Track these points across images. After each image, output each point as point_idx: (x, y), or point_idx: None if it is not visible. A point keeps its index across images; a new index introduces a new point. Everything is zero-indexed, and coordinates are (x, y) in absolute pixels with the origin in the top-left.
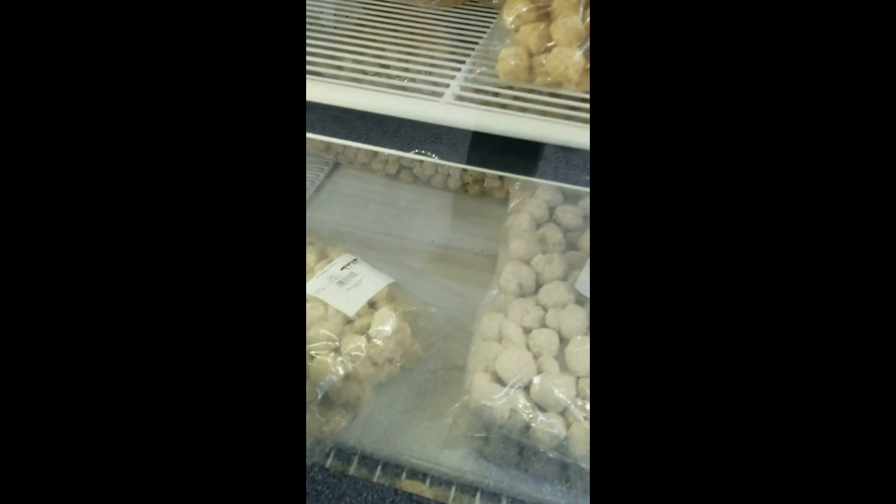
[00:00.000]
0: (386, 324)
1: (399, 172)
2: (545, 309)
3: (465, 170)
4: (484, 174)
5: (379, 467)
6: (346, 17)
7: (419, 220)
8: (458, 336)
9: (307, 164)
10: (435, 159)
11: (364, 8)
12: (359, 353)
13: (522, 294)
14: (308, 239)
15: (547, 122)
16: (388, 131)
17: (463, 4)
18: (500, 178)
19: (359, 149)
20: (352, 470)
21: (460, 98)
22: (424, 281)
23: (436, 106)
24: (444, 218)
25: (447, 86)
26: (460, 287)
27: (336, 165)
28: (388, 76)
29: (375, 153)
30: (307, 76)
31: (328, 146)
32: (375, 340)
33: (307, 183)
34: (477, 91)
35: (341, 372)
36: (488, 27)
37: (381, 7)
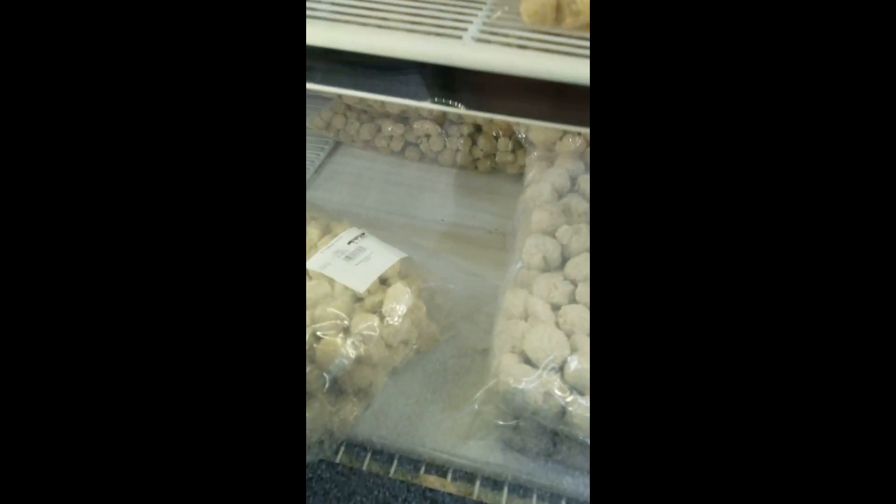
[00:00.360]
0: (400, 301)
1: (405, 149)
2: (574, 283)
3: (474, 144)
4: (495, 148)
5: (395, 461)
6: None
7: (428, 198)
8: (476, 317)
9: (306, 145)
10: (459, 108)
11: None
12: (371, 333)
13: (548, 268)
14: (310, 214)
15: (583, 61)
16: (399, 80)
17: None
18: (514, 151)
19: (361, 125)
20: (364, 465)
21: (481, 41)
22: (436, 260)
23: (458, 46)
24: (453, 195)
25: (465, 29)
26: (474, 266)
27: (337, 144)
28: (394, 19)
29: (379, 129)
30: (307, 19)
31: (328, 124)
32: (389, 319)
33: (307, 164)
34: (497, 35)
35: (352, 354)
36: None
37: None
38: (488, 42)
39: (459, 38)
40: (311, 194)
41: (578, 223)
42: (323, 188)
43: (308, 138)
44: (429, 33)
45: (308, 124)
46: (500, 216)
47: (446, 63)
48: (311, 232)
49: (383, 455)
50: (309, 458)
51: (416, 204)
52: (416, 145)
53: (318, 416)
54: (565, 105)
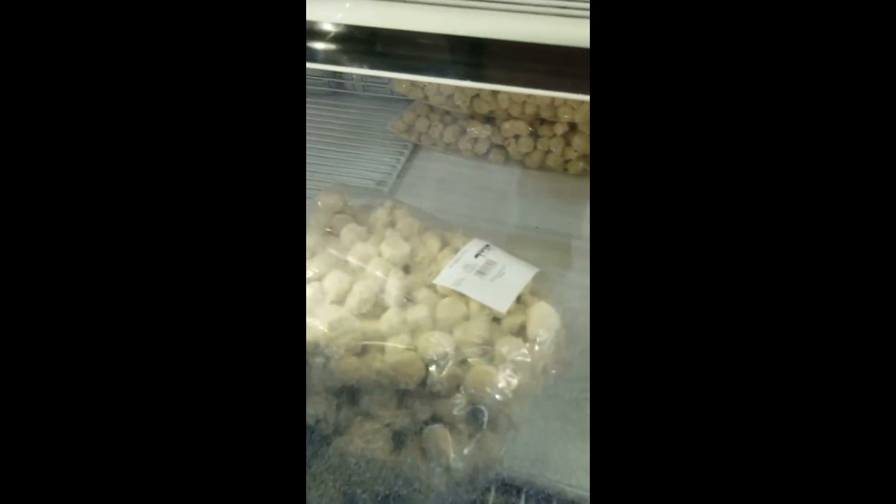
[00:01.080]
0: (546, 324)
1: (489, 152)
2: None
3: (567, 145)
4: (588, 150)
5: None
6: None
7: (520, 203)
8: None
9: (385, 148)
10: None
11: None
12: (524, 360)
13: None
14: (422, 224)
15: None
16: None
17: None
18: None
19: (445, 127)
20: None
21: None
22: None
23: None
24: (546, 200)
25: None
26: (583, 279)
27: (415, 148)
28: None
29: (463, 131)
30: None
31: (410, 127)
32: (538, 345)
33: (388, 168)
34: None
35: (507, 386)
36: None
37: None
38: None
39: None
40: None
41: None
42: (409, 194)
43: (386, 142)
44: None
45: (388, 127)
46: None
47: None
48: (431, 243)
49: (525, 491)
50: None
51: (509, 210)
52: (503, 147)
53: (472, 454)
54: None
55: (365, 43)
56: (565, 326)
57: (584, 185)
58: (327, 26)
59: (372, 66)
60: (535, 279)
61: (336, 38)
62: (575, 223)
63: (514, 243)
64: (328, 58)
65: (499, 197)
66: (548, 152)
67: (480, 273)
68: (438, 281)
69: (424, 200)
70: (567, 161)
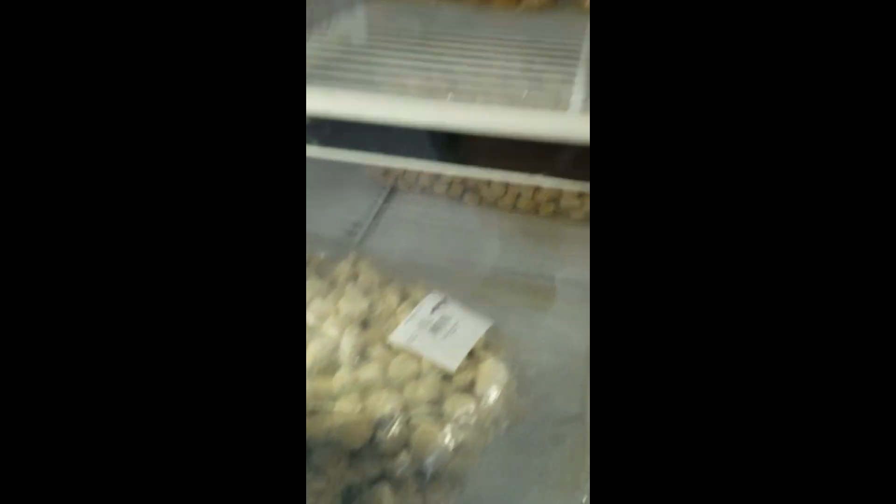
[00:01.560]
0: (495, 380)
1: (464, 194)
2: None
3: (537, 188)
4: (560, 192)
5: None
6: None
7: (492, 245)
8: (563, 382)
9: (362, 192)
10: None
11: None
12: (468, 420)
13: None
14: (385, 275)
15: None
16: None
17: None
18: (580, 195)
19: (420, 171)
20: None
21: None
22: (511, 315)
23: (564, 118)
24: (518, 242)
25: (571, 94)
26: (554, 322)
27: (392, 191)
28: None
29: (438, 175)
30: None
31: (386, 170)
32: (484, 402)
33: (365, 209)
34: None
35: (451, 444)
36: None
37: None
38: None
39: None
40: (374, 244)
41: None
42: (384, 236)
43: (363, 185)
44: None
45: (366, 171)
46: (568, 263)
47: (556, 138)
48: (391, 298)
49: None
50: None
51: (481, 252)
52: (476, 191)
53: None
54: None
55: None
56: (517, 378)
57: (554, 227)
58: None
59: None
60: (489, 333)
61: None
62: (546, 264)
63: (487, 284)
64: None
65: (472, 238)
66: (519, 195)
67: (434, 329)
68: (392, 338)
69: (400, 242)
70: (538, 204)
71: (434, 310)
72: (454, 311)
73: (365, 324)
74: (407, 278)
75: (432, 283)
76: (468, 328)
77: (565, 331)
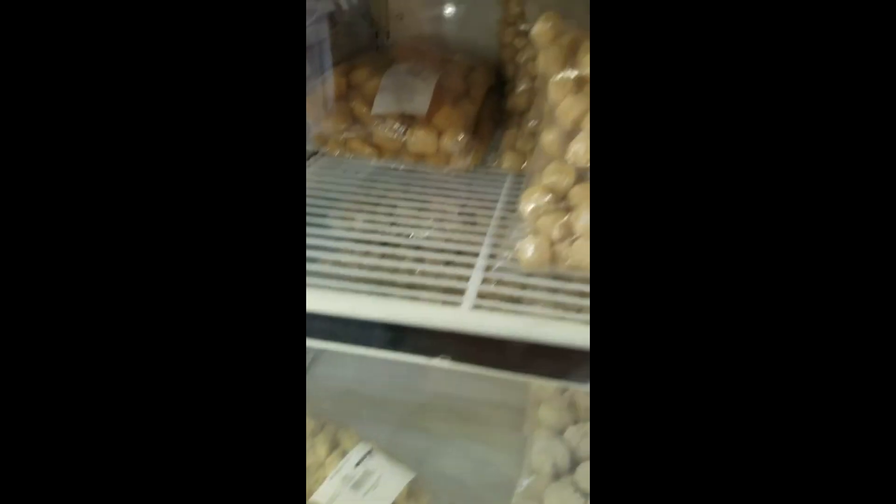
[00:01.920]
0: None
1: None
2: (585, 495)
3: None
4: None
5: None
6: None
7: (432, 373)
8: None
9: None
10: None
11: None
12: None
13: (558, 475)
14: (318, 420)
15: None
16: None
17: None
18: None
19: None
20: None
21: (483, 296)
22: (445, 447)
23: (458, 311)
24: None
25: (467, 279)
26: (485, 452)
27: None
28: (395, 270)
29: None
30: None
31: None
32: None
33: (307, 344)
34: (499, 283)
35: None
36: (500, 192)
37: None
38: (491, 294)
39: (462, 292)
40: (316, 372)
41: (586, 422)
42: (327, 365)
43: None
44: (431, 287)
45: None
46: (504, 387)
47: (448, 329)
48: (319, 449)
49: None
50: None
51: (420, 378)
52: None
53: None
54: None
55: None
56: None
57: None
58: None
59: None
60: (411, 484)
61: None
62: (486, 387)
63: (424, 410)
64: None
65: (409, 367)
66: None
67: (356, 486)
68: (315, 498)
69: (340, 371)
70: None
71: (358, 463)
72: (378, 464)
73: None
74: (343, 415)
75: (369, 413)
76: (390, 481)
77: (493, 459)
